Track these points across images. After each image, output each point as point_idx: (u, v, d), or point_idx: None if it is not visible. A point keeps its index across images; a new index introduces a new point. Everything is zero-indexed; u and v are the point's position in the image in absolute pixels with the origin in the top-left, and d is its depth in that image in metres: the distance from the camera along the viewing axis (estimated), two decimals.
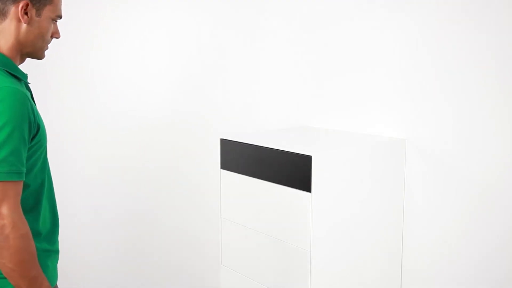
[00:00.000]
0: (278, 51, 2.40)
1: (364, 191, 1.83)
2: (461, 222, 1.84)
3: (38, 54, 1.54)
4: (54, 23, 1.55)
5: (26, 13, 1.46)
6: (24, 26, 1.47)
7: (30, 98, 1.42)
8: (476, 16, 1.74)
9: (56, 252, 1.59)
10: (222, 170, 1.95)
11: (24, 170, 1.35)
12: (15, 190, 1.32)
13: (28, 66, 3.04)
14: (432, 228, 1.92)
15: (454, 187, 1.84)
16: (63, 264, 3.16)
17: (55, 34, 1.57)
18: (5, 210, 1.29)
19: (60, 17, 1.55)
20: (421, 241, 1.96)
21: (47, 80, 3.08)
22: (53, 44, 3.04)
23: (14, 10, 1.45)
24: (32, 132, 1.40)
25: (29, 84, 1.57)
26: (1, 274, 1.43)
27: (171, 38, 2.92)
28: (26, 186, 1.45)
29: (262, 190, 1.86)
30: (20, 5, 1.45)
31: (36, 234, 1.50)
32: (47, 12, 1.50)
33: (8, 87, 1.34)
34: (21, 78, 1.49)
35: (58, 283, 3.14)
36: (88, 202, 3.14)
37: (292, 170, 1.70)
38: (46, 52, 3.02)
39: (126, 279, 3.26)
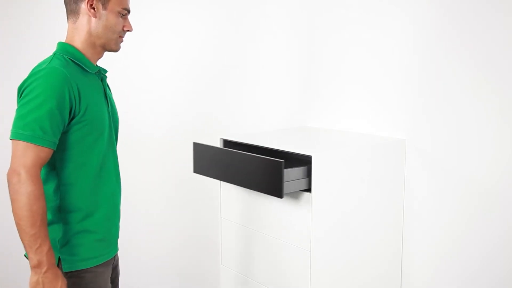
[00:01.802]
0: (278, 52, 2.40)
1: (364, 191, 1.83)
2: (461, 222, 1.84)
3: (110, 45, 1.70)
4: (123, 16, 1.70)
5: (93, 8, 1.65)
6: (93, 20, 1.66)
7: (81, 83, 1.59)
8: (476, 17, 1.74)
9: (96, 233, 1.67)
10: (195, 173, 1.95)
11: (52, 140, 1.51)
12: (36, 153, 1.48)
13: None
14: (432, 227, 1.92)
15: (454, 187, 1.84)
16: None
17: (126, 27, 1.71)
18: (21, 168, 1.46)
19: (128, 10, 1.70)
20: (421, 241, 1.96)
21: None
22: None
23: (83, 7, 1.66)
24: (73, 112, 1.56)
25: (101, 75, 1.75)
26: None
27: (171, 39, 2.92)
28: (66, 161, 1.60)
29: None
30: (87, 0, 1.64)
31: (74, 210, 1.62)
32: (112, 5, 1.66)
33: (52, 67, 1.54)
34: (87, 69, 1.66)
35: None
36: None
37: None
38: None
39: (126, 279, 3.26)
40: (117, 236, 1.77)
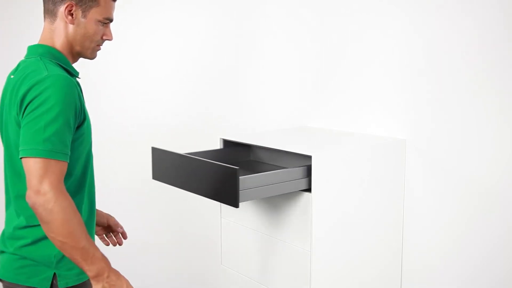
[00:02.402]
0: (278, 52, 2.40)
1: (364, 191, 1.83)
2: (461, 222, 1.84)
3: (87, 53, 1.60)
4: (103, 25, 1.59)
5: (71, 14, 1.53)
6: (70, 26, 1.55)
7: (79, 89, 1.50)
8: (476, 18, 1.74)
9: None
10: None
11: (68, 152, 1.42)
12: (57, 168, 1.38)
13: None
14: (432, 228, 1.92)
15: (454, 187, 1.84)
16: None
17: (106, 36, 1.61)
18: (46, 186, 1.35)
19: (110, 20, 1.60)
20: (421, 241, 1.96)
21: None
22: None
23: (62, 11, 1.54)
24: (78, 119, 1.47)
25: (79, 82, 1.66)
26: (33, 238, 1.49)
27: (171, 40, 2.92)
28: (69, 176, 1.51)
29: None
30: (64, 6, 1.53)
31: None
32: (93, 14, 1.55)
33: (58, 74, 1.43)
34: (72, 73, 1.58)
35: None
36: None
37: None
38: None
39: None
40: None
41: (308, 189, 1.70)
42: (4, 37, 3.51)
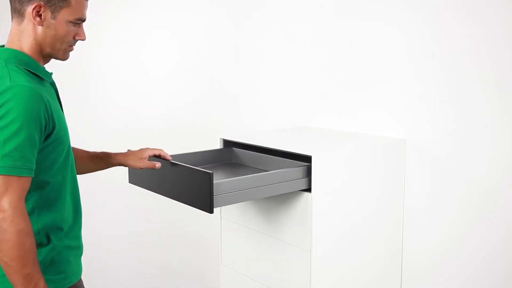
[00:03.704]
0: (279, 52, 2.40)
1: (364, 191, 1.83)
2: (460, 222, 1.84)
3: (58, 55, 1.52)
4: (75, 25, 1.51)
5: (40, 16, 1.44)
6: (39, 28, 1.45)
7: (47, 97, 1.42)
8: (476, 18, 1.74)
9: (79, 247, 1.59)
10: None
11: (32, 167, 1.36)
12: (19, 185, 1.33)
13: None
14: (432, 227, 1.92)
15: (454, 187, 1.85)
16: None
17: (78, 36, 1.52)
18: (5, 203, 1.30)
19: (82, 20, 1.51)
20: (421, 241, 1.96)
21: None
22: None
23: (29, 11, 1.44)
24: (46, 131, 1.40)
25: (53, 82, 1.58)
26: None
27: (171, 39, 2.92)
28: (46, 183, 1.46)
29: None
30: (32, 7, 1.43)
31: (58, 230, 1.51)
32: (64, 15, 1.46)
33: (21, 85, 1.34)
34: (43, 77, 1.49)
35: None
36: (88, 203, 3.14)
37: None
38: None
39: (126, 279, 3.26)
40: None
41: (308, 189, 1.70)
42: (4, 36, 3.51)
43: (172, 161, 1.64)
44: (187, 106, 2.89)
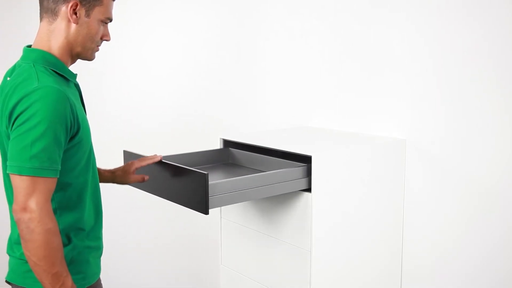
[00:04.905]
0: (279, 52, 2.40)
1: (364, 191, 1.83)
2: (460, 222, 1.84)
3: (87, 54, 1.56)
4: (104, 25, 1.56)
5: (75, 13, 1.49)
6: (73, 26, 1.50)
7: (72, 98, 1.45)
8: (476, 18, 1.74)
9: (99, 248, 1.62)
10: None
11: (58, 168, 1.39)
12: (46, 186, 1.36)
13: None
14: (432, 227, 1.92)
15: (454, 187, 1.84)
16: None
17: (105, 37, 1.58)
18: (33, 204, 1.33)
19: (110, 19, 1.57)
20: (421, 241, 1.96)
21: None
22: None
23: (64, 10, 1.49)
24: (71, 132, 1.43)
25: (77, 84, 1.62)
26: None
27: (172, 38, 2.92)
28: (68, 185, 1.49)
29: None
30: (70, 4, 1.48)
31: (79, 231, 1.53)
32: (96, 13, 1.52)
33: (48, 86, 1.38)
34: (69, 78, 1.53)
35: None
36: None
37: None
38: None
39: (126, 279, 3.26)
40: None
41: (308, 189, 1.70)
42: (5, 36, 3.51)
43: (167, 162, 1.63)
44: (188, 106, 2.89)
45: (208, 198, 1.45)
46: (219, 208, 2.08)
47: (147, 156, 1.76)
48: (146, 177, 1.75)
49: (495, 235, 1.76)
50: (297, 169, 1.68)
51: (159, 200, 3.10)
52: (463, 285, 1.86)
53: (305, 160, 1.78)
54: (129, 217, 3.21)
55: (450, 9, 1.80)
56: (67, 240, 1.51)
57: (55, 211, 1.48)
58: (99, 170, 1.78)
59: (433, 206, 1.91)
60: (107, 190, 3.21)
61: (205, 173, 1.44)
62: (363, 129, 2.10)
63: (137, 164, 1.77)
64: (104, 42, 3.09)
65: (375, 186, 1.87)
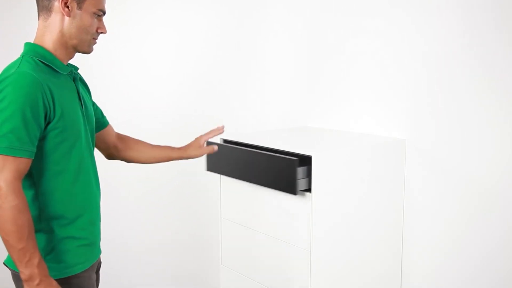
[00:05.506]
0: (279, 52, 2.40)
1: (364, 191, 1.83)
2: (461, 222, 1.84)
3: (83, 47, 1.62)
4: (98, 18, 1.62)
5: (67, 6, 1.56)
6: (67, 19, 1.57)
7: (54, 87, 1.51)
8: (477, 18, 1.74)
9: (84, 239, 1.64)
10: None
11: (30, 149, 1.45)
12: (15, 165, 1.42)
13: None
14: (432, 227, 1.92)
15: (454, 187, 1.85)
16: None
17: (100, 29, 1.63)
18: (1, 181, 1.41)
19: (103, 11, 1.62)
20: (421, 241, 1.96)
21: None
22: None
23: (57, 5, 1.56)
24: (47, 118, 1.49)
25: (77, 77, 1.67)
26: None
27: (172, 38, 2.92)
28: (45, 169, 1.54)
29: (261, 191, 1.86)
30: (59, 0, 1.55)
31: (60, 219, 1.58)
32: (88, 5, 1.58)
33: (22, 72, 1.45)
34: (57, 70, 1.57)
35: None
36: None
37: (278, 173, 1.70)
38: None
39: (126, 279, 3.26)
40: (99, 239, 1.75)
41: (308, 189, 1.70)
42: (5, 36, 3.51)
43: (254, 150, 1.80)
44: (188, 106, 2.89)
45: (297, 181, 1.66)
46: (219, 208, 2.09)
47: (213, 129, 1.92)
48: (215, 147, 1.91)
49: (495, 235, 1.76)
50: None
51: (159, 200, 3.10)
52: (463, 285, 1.86)
53: (305, 160, 1.78)
54: (129, 217, 3.21)
55: (451, 9, 1.80)
56: (47, 227, 1.56)
57: (35, 196, 1.54)
58: (169, 147, 1.92)
59: (433, 206, 1.91)
60: (107, 190, 3.21)
61: (295, 159, 1.64)
62: (363, 129, 2.10)
63: (206, 137, 1.91)
64: (103, 42, 3.10)
65: (375, 186, 1.87)
